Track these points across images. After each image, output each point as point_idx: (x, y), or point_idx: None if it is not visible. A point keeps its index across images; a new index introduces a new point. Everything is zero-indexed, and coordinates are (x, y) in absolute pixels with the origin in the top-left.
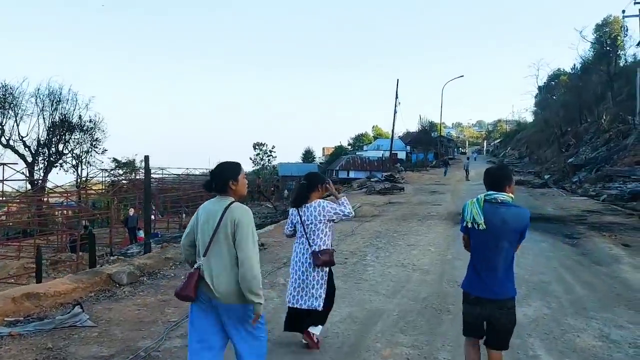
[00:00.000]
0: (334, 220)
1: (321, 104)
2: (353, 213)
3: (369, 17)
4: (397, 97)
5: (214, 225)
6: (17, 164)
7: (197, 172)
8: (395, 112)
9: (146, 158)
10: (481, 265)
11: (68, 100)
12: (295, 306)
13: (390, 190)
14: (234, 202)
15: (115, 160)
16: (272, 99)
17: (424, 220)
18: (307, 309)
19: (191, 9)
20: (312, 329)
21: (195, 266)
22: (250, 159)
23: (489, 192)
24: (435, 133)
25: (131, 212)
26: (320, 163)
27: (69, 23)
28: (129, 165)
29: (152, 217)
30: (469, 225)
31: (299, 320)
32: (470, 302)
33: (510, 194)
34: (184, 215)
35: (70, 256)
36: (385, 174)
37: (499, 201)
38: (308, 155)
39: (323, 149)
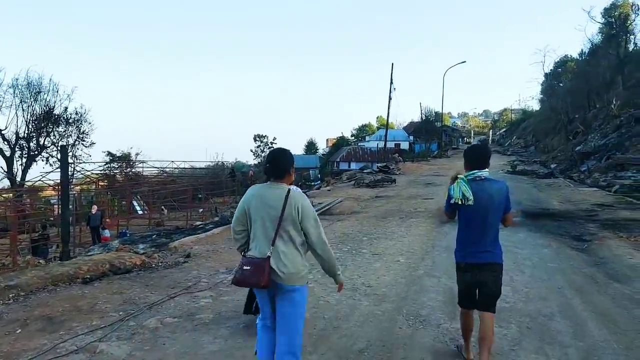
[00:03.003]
0: None
1: (325, 95)
2: None
3: (372, 4)
4: (392, 83)
5: (276, 213)
6: None
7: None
8: (390, 98)
9: (62, 149)
10: (472, 238)
11: (49, 91)
12: None
13: (381, 183)
14: (289, 189)
15: (109, 154)
16: (275, 90)
17: (406, 218)
18: None
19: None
20: None
21: (267, 254)
22: (251, 150)
23: (472, 171)
24: (440, 123)
25: (94, 209)
26: (322, 154)
27: (61, 15)
28: (124, 158)
29: (139, 210)
30: (459, 202)
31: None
32: (462, 270)
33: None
34: (165, 211)
35: (29, 259)
36: (380, 164)
37: (483, 178)
38: (311, 147)
39: (327, 140)
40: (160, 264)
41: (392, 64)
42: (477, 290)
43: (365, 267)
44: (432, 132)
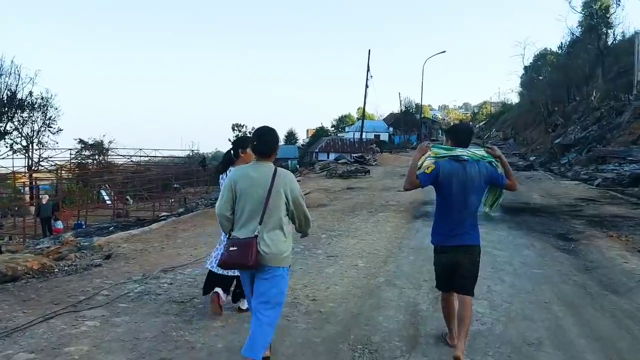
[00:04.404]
0: None
1: (305, 85)
2: None
3: None
4: (368, 70)
5: (264, 192)
6: None
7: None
8: (367, 86)
9: None
10: (450, 220)
11: (10, 74)
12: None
13: (354, 174)
14: (276, 167)
15: (81, 141)
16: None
17: (375, 212)
18: (232, 276)
19: None
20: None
21: (254, 234)
22: (229, 140)
23: (454, 148)
24: (420, 115)
25: (44, 199)
26: (302, 145)
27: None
28: (97, 146)
29: (107, 200)
30: (440, 180)
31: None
32: (440, 252)
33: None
34: (130, 201)
35: None
36: (355, 155)
37: (465, 159)
38: (290, 137)
39: (307, 130)
40: (65, 269)
41: (369, 50)
42: (453, 272)
43: (315, 273)
44: (411, 124)
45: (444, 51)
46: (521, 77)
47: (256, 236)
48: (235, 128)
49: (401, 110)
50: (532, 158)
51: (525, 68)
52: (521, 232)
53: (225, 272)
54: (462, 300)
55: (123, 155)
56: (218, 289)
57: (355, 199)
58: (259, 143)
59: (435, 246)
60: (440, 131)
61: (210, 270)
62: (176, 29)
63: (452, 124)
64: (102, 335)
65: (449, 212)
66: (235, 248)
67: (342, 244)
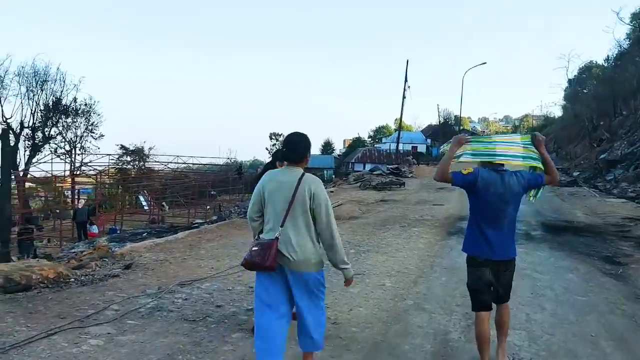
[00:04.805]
0: None
1: (344, 93)
2: None
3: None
4: (406, 80)
5: (289, 195)
6: None
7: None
8: (404, 96)
9: (4, 132)
10: (488, 229)
11: (56, 80)
12: None
13: (388, 186)
14: (304, 172)
15: (123, 147)
16: (292, 89)
17: (408, 227)
18: None
19: None
20: None
21: (275, 235)
22: (267, 149)
23: (495, 146)
24: (458, 127)
25: (80, 204)
26: (338, 155)
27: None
28: (138, 152)
29: (145, 206)
30: (478, 187)
31: None
32: (475, 265)
33: None
34: (166, 207)
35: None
36: (391, 166)
37: (504, 170)
38: (327, 147)
39: (344, 141)
40: (81, 278)
41: (407, 61)
42: (489, 287)
43: (339, 292)
44: (450, 136)
45: (485, 62)
46: (565, 90)
47: (277, 238)
48: (273, 137)
49: (439, 121)
50: (575, 173)
51: (570, 81)
52: (564, 254)
53: None
54: (499, 307)
55: (161, 162)
56: None
57: (388, 212)
58: (288, 150)
59: (471, 257)
60: None
61: None
62: (215, 40)
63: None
64: (104, 357)
65: (485, 223)
66: (256, 248)
67: (371, 260)
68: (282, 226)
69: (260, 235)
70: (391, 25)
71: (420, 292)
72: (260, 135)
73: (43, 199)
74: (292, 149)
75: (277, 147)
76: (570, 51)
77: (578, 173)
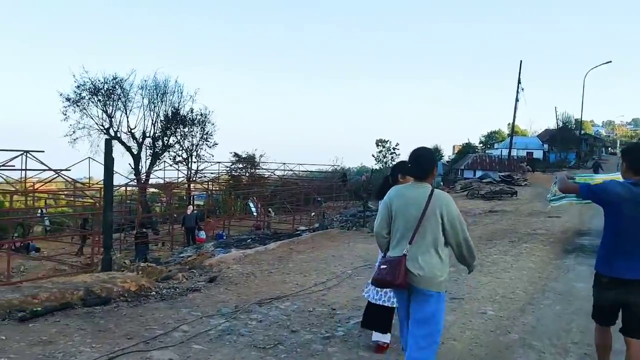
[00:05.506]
0: None
1: (454, 99)
2: None
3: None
4: (519, 82)
5: (418, 213)
6: None
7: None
8: (517, 99)
9: (107, 142)
10: (623, 248)
11: (174, 92)
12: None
13: (499, 195)
14: (433, 189)
15: (236, 154)
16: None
17: (518, 242)
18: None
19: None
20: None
21: (403, 252)
22: (373, 155)
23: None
24: (579, 131)
25: (189, 210)
26: (447, 161)
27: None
28: (250, 160)
29: (254, 211)
30: (610, 199)
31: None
32: (604, 285)
33: None
34: (272, 213)
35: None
36: (502, 174)
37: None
38: (435, 153)
39: (453, 146)
40: (162, 292)
41: (521, 62)
42: (619, 310)
43: None
44: (569, 141)
45: (610, 61)
46: None
47: (405, 255)
48: (380, 144)
49: (557, 125)
50: None
51: None
52: None
53: (380, 302)
54: (630, 344)
55: (269, 169)
56: (375, 338)
57: (497, 225)
58: (414, 166)
59: (599, 275)
60: (603, 150)
61: (369, 302)
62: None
63: (629, 144)
64: None
65: (622, 239)
66: (385, 266)
67: (472, 282)
68: (410, 243)
69: (387, 252)
70: (504, 25)
71: (527, 324)
72: (367, 142)
73: (165, 204)
74: (418, 164)
75: (383, 154)
76: None
77: None
